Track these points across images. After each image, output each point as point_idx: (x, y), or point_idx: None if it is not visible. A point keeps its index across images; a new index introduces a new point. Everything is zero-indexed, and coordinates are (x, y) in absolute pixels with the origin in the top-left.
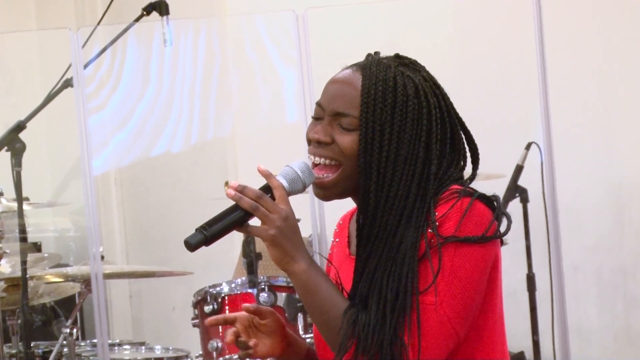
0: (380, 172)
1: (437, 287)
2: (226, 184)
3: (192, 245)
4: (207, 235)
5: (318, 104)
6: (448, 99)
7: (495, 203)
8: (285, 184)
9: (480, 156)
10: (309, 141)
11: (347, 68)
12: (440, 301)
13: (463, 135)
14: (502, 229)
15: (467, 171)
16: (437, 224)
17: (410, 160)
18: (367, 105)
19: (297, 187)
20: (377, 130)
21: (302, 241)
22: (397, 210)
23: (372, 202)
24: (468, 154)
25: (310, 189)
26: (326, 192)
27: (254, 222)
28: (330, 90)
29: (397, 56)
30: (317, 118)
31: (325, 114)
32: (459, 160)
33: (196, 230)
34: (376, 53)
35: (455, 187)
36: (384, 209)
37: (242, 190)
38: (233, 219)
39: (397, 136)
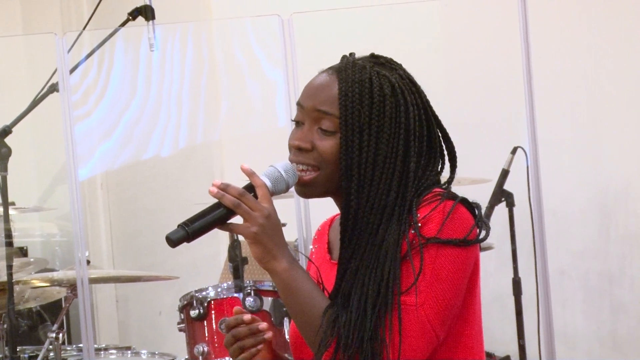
0: (361, 174)
1: (418, 287)
2: None
3: (173, 241)
4: (189, 231)
5: (298, 104)
6: (425, 96)
7: (476, 209)
8: (268, 183)
9: (462, 159)
10: (290, 148)
11: (323, 72)
12: (422, 302)
13: (440, 133)
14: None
15: (446, 174)
16: (420, 225)
17: (389, 159)
18: (345, 108)
19: (281, 187)
20: (356, 132)
21: (284, 240)
22: (378, 208)
23: (354, 204)
24: (445, 153)
25: (293, 190)
26: (306, 189)
27: (237, 220)
28: (309, 91)
29: (372, 56)
30: (297, 122)
31: (305, 112)
32: (436, 158)
33: (178, 226)
34: (351, 54)
35: (438, 190)
36: (364, 209)
37: (224, 188)
38: (215, 216)
39: (376, 136)
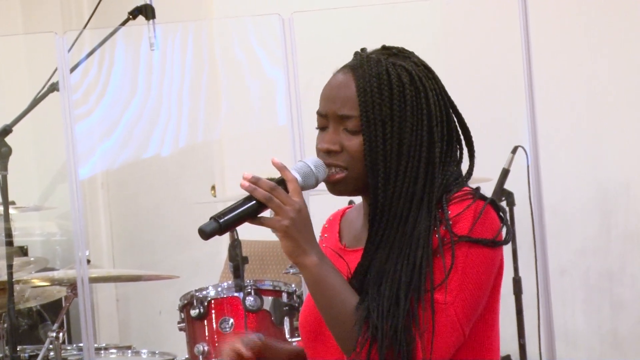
0: (387, 166)
1: (448, 285)
2: (212, 188)
3: (206, 233)
4: (222, 224)
5: (319, 114)
6: (440, 81)
7: (501, 212)
8: (298, 177)
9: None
10: (318, 152)
11: (338, 72)
12: (452, 301)
13: (455, 118)
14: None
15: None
16: (451, 222)
17: (414, 147)
18: (365, 104)
19: (310, 182)
20: (379, 126)
21: (313, 235)
22: (406, 197)
23: (381, 198)
24: (462, 138)
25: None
26: (336, 187)
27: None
28: (328, 96)
29: (384, 48)
30: (322, 128)
31: (329, 120)
32: (455, 144)
33: (210, 219)
34: (363, 50)
35: (468, 188)
36: (392, 200)
37: (256, 181)
38: (247, 209)
39: (399, 127)
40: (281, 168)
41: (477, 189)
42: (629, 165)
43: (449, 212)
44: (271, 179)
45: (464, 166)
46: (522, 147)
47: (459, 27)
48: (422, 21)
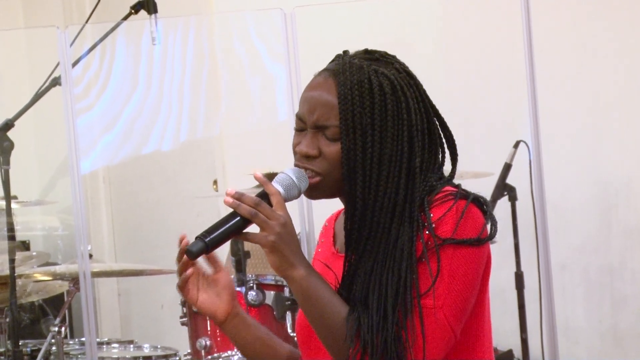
0: (366, 176)
1: (436, 290)
2: (214, 182)
3: (193, 253)
4: (208, 243)
5: (298, 117)
6: (421, 86)
7: (485, 206)
8: (281, 190)
9: (465, 152)
10: (295, 154)
11: (319, 76)
12: (441, 305)
13: (437, 122)
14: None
15: (447, 166)
16: (434, 225)
17: (395, 158)
18: (345, 113)
19: (293, 193)
20: (358, 136)
21: (300, 247)
22: (387, 209)
23: (360, 207)
24: (444, 141)
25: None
26: (314, 192)
27: (252, 228)
28: (308, 102)
29: (366, 52)
30: (300, 129)
31: (308, 127)
32: (437, 149)
33: (196, 238)
34: (345, 52)
35: (449, 188)
36: (373, 210)
37: (239, 197)
38: (232, 226)
39: (380, 137)
40: (263, 182)
41: (459, 186)
42: (630, 161)
43: (432, 215)
44: (256, 187)
45: (447, 170)
46: (524, 142)
47: (462, 22)
48: (424, 15)
